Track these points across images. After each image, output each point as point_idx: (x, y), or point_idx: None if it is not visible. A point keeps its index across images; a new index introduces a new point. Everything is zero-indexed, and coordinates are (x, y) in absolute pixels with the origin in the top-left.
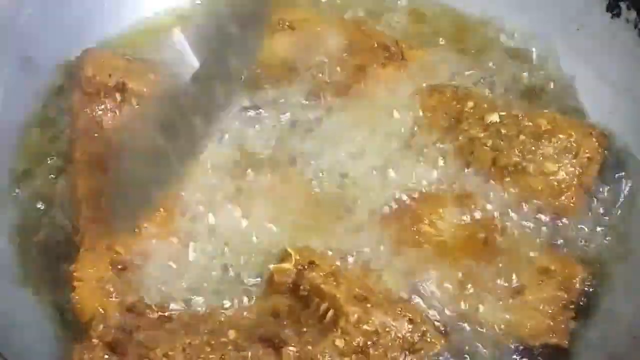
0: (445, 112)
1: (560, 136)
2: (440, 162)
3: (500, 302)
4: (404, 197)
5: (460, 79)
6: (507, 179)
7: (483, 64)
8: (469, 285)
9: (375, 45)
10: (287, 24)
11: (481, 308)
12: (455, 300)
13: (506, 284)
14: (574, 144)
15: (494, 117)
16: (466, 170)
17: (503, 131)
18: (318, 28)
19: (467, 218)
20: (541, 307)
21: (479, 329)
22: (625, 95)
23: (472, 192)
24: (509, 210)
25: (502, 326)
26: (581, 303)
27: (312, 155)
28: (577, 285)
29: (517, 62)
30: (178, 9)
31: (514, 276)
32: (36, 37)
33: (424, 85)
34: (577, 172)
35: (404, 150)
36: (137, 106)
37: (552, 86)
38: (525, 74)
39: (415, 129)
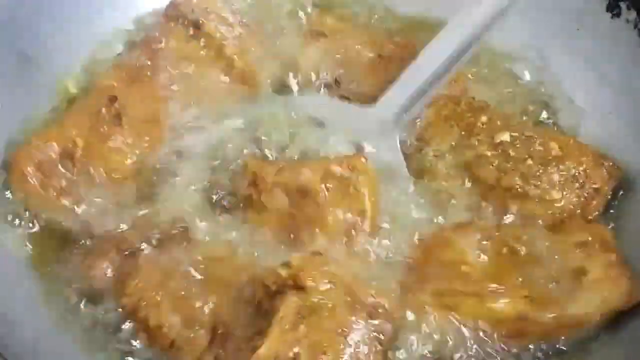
0: (457, 124)
1: (569, 163)
2: (443, 176)
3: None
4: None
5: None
6: (509, 201)
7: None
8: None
9: (405, 57)
10: (320, 30)
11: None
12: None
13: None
14: (582, 173)
15: (505, 137)
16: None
17: (512, 152)
18: (350, 38)
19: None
20: (609, 274)
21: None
22: (626, 95)
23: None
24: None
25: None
26: None
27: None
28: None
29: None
30: None
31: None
32: (36, 36)
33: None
34: (580, 203)
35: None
36: None
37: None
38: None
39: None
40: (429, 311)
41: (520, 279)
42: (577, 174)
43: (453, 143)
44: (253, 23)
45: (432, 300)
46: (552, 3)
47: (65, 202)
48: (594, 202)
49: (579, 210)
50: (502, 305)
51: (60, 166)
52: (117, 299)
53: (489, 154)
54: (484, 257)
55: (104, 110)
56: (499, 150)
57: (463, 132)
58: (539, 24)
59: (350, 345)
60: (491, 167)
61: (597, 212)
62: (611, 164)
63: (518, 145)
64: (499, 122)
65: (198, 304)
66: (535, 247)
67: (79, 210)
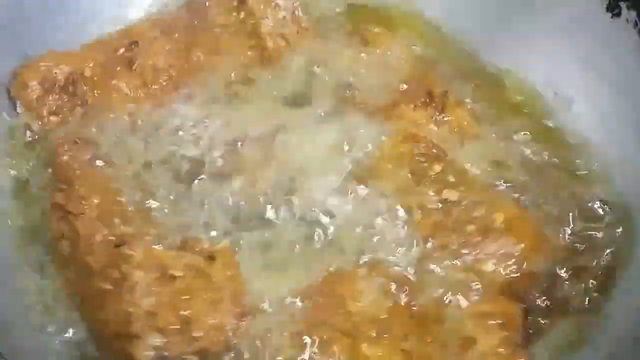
0: (408, 166)
1: (509, 239)
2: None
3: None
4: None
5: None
6: (437, 256)
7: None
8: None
9: (422, 87)
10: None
11: None
12: None
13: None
14: (520, 252)
15: (452, 196)
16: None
17: (455, 213)
18: (387, 52)
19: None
20: (498, 352)
21: None
22: (625, 95)
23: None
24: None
25: None
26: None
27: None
28: (518, 320)
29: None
30: None
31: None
32: (36, 37)
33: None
34: (510, 279)
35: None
36: None
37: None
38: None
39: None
40: (307, 342)
41: (407, 334)
42: (513, 251)
43: (397, 185)
44: (304, 14)
45: (308, 330)
46: (552, 3)
47: (53, 119)
48: (525, 283)
49: (509, 288)
50: (375, 352)
51: (62, 88)
52: None
53: (430, 207)
54: (380, 302)
55: (122, 50)
56: (443, 207)
57: (411, 176)
58: (539, 24)
59: None
60: (429, 220)
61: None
62: (549, 248)
63: (463, 208)
64: (451, 178)
65: None
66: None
67: (61, 131)
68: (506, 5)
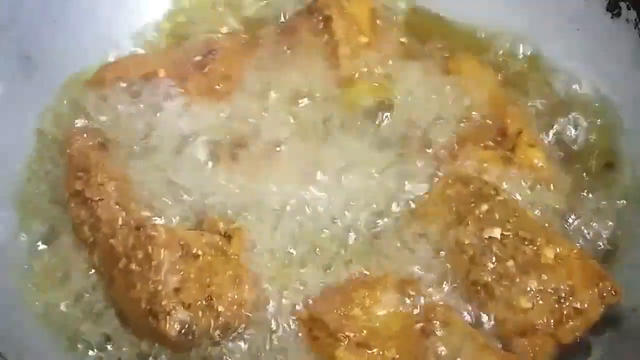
0: (455, 207)
1: (555, 274)
2: (420, 253)
3: None
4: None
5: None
6: (475, 296)
7: None
8: None
9: (494, 124)
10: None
11: None
12: None
13: None
14: (567, 288)
15: (495, 233)
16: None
17: (496, 251)
18: (465, 83)
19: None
20: None
21: None
22: (625, 96)
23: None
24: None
25: None
26: None
27: None
28: None
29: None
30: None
31: None
32: (36, 37)
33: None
34: (554, 321)
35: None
36: None
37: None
38: None
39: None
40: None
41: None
42: (560, 287)
43: (443, 225)
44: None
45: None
46: (552, 3)
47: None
48: (571, 323)
49: (549, 329)
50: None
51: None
52: None
53: (467, 242)
54: (390, 317)
55: (199, 57)
56: (483, 245)
57: (456, 217)
58: (539, 24)
59: None
60: (466, 257)
61: (574, 337)
62: (609, 287)
63: (505, 245)
64: (497, 215)
65: None
66: (442, 345)
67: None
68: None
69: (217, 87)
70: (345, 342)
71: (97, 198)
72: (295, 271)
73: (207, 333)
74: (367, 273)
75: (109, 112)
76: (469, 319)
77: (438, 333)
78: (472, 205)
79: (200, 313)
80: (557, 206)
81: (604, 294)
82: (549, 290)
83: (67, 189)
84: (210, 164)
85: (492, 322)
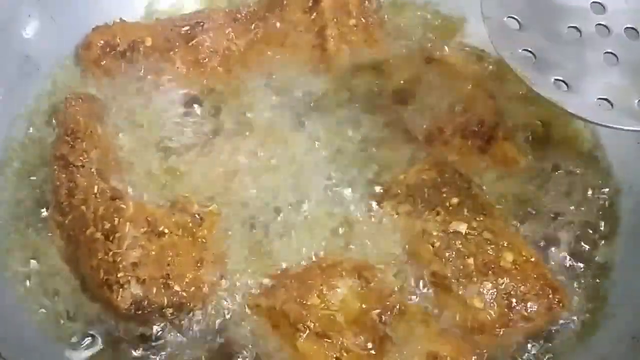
0: (427, 194)
1: (511, 280)
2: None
3: None
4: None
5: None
6: (432, 287)
7: None
8: None
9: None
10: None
11: None
12: None
13: None
14: (520, 295)
15: (461, 228)
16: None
17: (459, 246)
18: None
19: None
20: None
21: None
22: None
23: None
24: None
25: None
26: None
27: None
28: None
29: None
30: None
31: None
32: (36, 37)
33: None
34: (499, 324)
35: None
36: None
37: None
38: None
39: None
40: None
41: (356, 343)
42: (512, 292)
43: (410, 208)
44: (378, 25)
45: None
46: None
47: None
48: (516, 327)
49: (497, 330)
50: (309, 347)
51: (121, 53)
52: None
53: (434, 233)
54: (347, 305)
55: (187, 28)
56: (448, 238)
57: (426, 204)
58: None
59: None
60: (431, 247)
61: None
62: (558, 299)
63: (469, 241)
64: (465, 210)
65: None
66: (399, 331)
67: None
68: None
69: (204, 60)
70: (306, 333)
71: (79, 164)
72: (259, 257)
73: (160, 310)
74: (326, 258)
75: (99, 79)
76: (427, 308)
77: (394, 319)
78: (444, 195)
79: (154, 290)
80: (525, 198)
81: (553, 306)
82: (503, 294)
83: (54, 150)
84: (195, 141)
85: (447, 313)
